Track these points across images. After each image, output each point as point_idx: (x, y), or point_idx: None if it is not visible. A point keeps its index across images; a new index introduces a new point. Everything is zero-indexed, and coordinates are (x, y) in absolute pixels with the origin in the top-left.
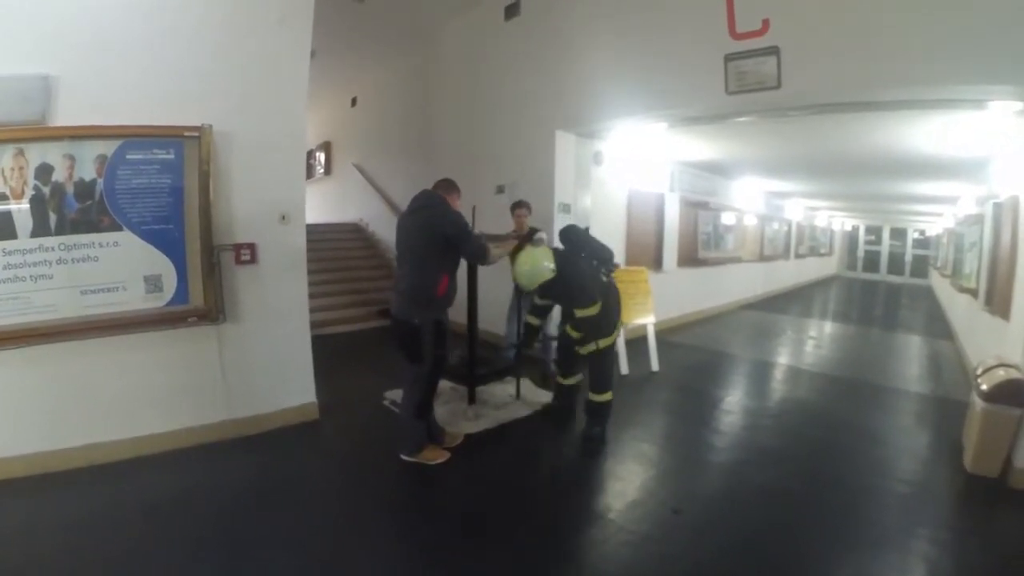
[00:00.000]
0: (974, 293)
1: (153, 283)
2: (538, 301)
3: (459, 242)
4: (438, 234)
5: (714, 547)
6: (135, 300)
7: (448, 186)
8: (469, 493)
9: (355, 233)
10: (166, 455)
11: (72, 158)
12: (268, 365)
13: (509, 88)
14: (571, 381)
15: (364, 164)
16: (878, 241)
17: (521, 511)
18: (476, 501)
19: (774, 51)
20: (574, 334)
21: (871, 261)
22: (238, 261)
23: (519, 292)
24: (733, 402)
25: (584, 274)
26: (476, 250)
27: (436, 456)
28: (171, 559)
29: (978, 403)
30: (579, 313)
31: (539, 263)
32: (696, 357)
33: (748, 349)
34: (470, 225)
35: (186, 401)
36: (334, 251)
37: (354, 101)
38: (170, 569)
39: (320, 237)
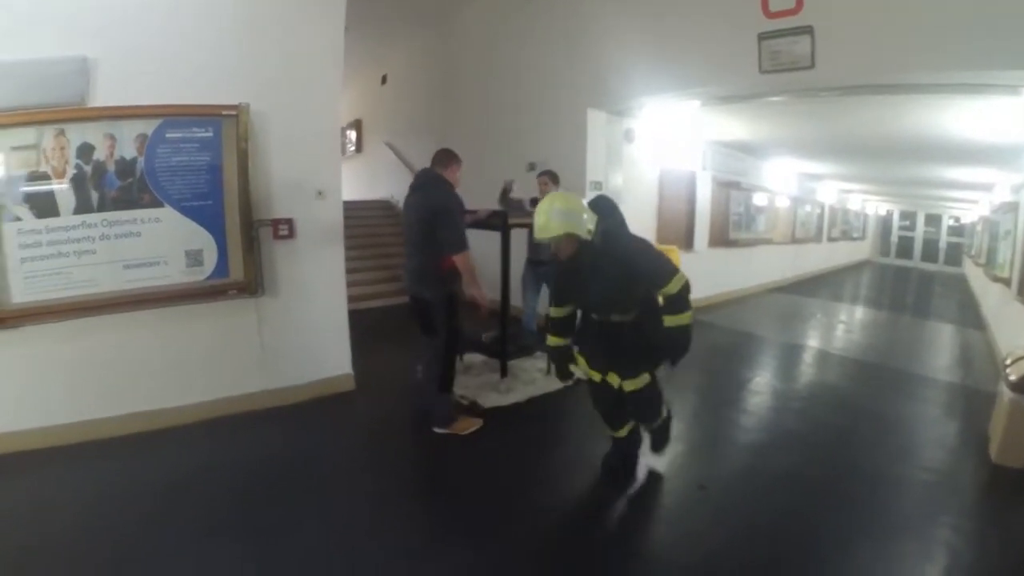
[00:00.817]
0: (1007, 282)
1: (194, 257)
2: (554, 312)
3: (438, 226)
4: (432, 215)
5: (738, 526)
6: (176, 274)
7: (446, 159)
8: (497, 465)
9: (385, 210)
10: (204, 424)
11: (113, 137)
12: (306, 337)
13: (540, 65)
14: (625, 431)
15: (395, 141)
16: (912, 227)
17: (548, 484)
18: (504, 473)
19: (808, 31)
20: (682, 320)
21: (904, 247)
22: (276, 236)
23: (532, 263)
24: (761, 384)
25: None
26: (454, 240)
27: (469, 426)
28: (204, 524)
29: (1006, 393)
30: (671, 290)
31: (576, 206)
32: (725, 338)
33: (777, 332)
34: (457, 209)
35: (225, 372)
36: (365, 227)
37: (384, 79)
38: (203, 534)
39: (351, 214)
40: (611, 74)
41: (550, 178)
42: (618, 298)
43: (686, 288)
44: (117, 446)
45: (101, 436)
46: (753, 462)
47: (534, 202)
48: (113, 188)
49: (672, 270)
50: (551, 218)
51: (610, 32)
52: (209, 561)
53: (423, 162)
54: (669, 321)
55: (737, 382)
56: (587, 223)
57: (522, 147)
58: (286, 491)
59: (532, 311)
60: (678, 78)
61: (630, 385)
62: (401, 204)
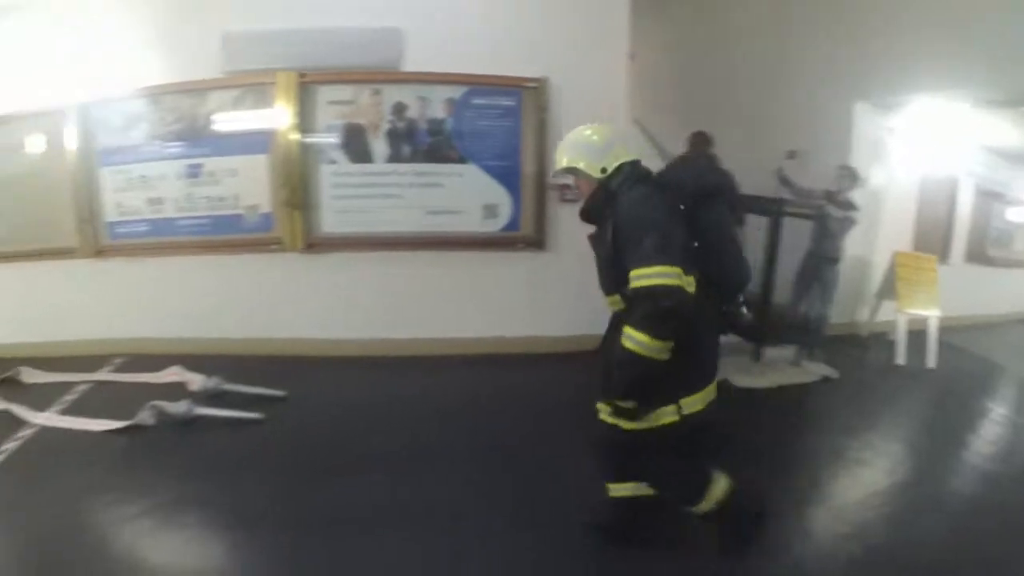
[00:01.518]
0: None
1: (490, 211)
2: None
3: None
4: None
5: (960, 548)
6: (472, 223)
7: (705, 141)
8: (737, 442)
9: None
10: (476, 357)
11: (424, 99)
12: (576, 295)
13: (807, 49)
14: (624, 492)
15: (643, 120)
16: None
17: (791, 467)
18: (742, 450)
19: None
20: (637, 342)
21: None
22: (562, 199)
23: (815, 258)
24: (1002, 416)
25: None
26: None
27: None
28: (467, 445)
29: None
30: (637, 282)
31: (596, 136)
32: (970, 363)
33: None
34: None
35: (502, 314)
36: None
37: (633, 56)
38: (465, 454)
39: None
40: (883, 66)
41: (849, 175)
42: (608, 273)
43: (664, 294)
44: (401, 364)
45: (387, 353)
46: (987, 489)
47: (828, 195)
48: (423, 143)
49: (650, 253)
50: (560, 145)
51: (884, 21)
52: (467, 477)
53: (673, 142)
54: (624, 336)
55: (978, 409)
56: (604, 158)
57: (780, 134)
58: (541, 424)
59: (798, 307)
60: (955, 76)
61: (661, 419)
62: None
